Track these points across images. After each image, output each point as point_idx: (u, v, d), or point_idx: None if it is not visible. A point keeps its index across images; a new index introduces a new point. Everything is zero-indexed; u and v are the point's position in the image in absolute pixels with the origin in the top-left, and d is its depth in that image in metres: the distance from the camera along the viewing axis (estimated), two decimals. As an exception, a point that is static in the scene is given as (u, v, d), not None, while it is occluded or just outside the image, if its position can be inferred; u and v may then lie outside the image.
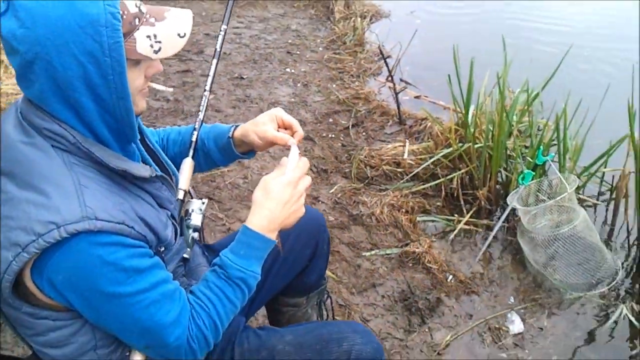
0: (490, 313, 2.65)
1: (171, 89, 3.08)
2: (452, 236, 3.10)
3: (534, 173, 2.79)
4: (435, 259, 2.87)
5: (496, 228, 2.87)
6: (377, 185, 3.47)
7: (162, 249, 1.33)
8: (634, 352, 2.51)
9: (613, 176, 3.35)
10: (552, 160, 2.82)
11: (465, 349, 2.49)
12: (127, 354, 1.33)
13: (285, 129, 1.57)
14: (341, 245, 2.98)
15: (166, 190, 1.40)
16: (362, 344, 1.50)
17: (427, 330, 2.55)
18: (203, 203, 1.51)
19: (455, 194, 3.34)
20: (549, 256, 2.85)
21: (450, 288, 2.76)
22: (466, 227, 3.16)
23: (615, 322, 2.63)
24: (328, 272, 2.54)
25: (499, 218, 3.00)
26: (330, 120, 4.21)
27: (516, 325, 2.59)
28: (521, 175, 2.80)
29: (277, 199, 1.35)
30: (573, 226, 2.73)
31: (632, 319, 2.64)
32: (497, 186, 3.33)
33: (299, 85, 4.79)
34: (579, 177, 3.23)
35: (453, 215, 3.23)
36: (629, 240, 3.12)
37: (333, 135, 3.98)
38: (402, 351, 2.45)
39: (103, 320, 1.23)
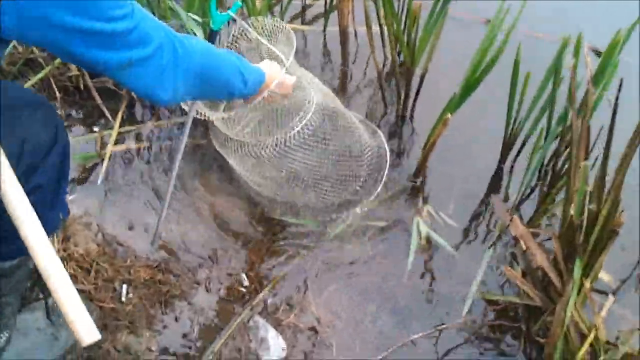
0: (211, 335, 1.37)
1: None
2: (100, 178, 1.62)
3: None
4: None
5: (177, 159, 1.44)
6: None
7: None
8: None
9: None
10: (237, 14, 1.38)
11: None
12: None
13: None
14: None
15: None
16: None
17: None
18: None
19: (83, 86, 1.79)
20: (283, 174, 1.61)
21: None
22: (120, 147, 1.71)
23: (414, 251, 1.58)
24: None
25: (179, 130, 1.60)
26: None
27: (272, 346, 1.36)
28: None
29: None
30: (310, 114, 1.47)
31: (436, 237, 1.60)
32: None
33: None
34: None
35: (93, 130, 1.73)
36: (381, 84, 1.95)
37: None
38: None
39: None
